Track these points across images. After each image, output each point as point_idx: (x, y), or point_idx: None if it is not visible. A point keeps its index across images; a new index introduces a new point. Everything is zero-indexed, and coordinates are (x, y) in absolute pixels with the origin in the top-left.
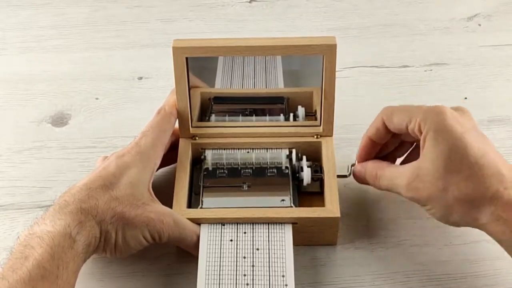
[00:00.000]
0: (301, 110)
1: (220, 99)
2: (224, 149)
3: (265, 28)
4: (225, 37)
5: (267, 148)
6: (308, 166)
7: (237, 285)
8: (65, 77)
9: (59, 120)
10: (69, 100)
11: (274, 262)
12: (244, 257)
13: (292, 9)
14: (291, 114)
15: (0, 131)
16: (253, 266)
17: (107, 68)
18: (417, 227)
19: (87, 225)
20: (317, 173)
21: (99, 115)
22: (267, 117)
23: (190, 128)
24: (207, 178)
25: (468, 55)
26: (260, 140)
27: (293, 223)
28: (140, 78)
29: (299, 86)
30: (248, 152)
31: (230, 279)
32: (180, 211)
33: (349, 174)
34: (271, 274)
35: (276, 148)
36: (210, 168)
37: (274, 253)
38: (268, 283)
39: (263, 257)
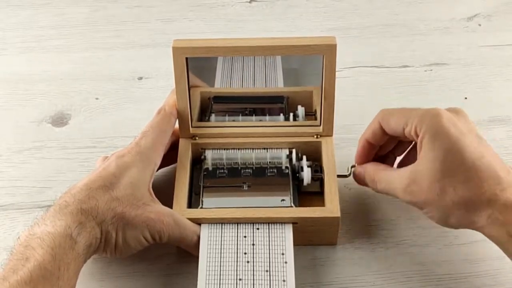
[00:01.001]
0: (301, 110)
1: (220, 99)
2: (224, 149)
3: (265, 28)
4: (225, 37)
5: (267, 148)
6: (308, 166)
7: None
8: (65, 77)
9: (59, 120)
10: (69, 100)
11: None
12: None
13: (292, 9)
14: (291, 114)
15: (0, 131)
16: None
17: (107, 68)
18: (417, 227)
19: (87, 226)
20: (317, 173)
21: (99, 115)
22: (267, 117)
23: (190, 128)
24: (207, 178)
25: (468, 55)
26: (260, 140)
27: (293, 223)
28: (140, 78)
29: (299, 86)
30: (248, 152)
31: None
32: (180, 211)
33: (349, 174)
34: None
35: (276, 148)
36: (210, 168)
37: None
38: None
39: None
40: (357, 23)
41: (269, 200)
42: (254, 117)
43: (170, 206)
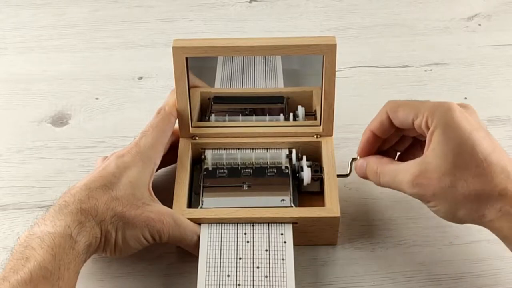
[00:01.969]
0: (301, 110)
1: (220, 99)
2: (224, 149)
3: (265, 28)
4: (225, 37)
5: (267, 148)
6: (308, 166)
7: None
8: (65, 77)
9: (59, 120)
10: (69, 100)
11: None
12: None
13: (292, 9)
14: (291, 114)
15: (0, 131)
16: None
17: (107, 68)
18: (417, 227)
19: (87, 226)
20: (317, 173)
21: (99, 115)
22: (267, 117)
23: (190, 128)
24: (207, 178)
25: (468, 55)
26: (260, 140)
27: (293, 223)
28: (140, 78)
29: (299, 86)
30: (248, 152)
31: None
32: (180, 211)
33: (349, 173)
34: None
35: (276, 148)
36: (210, 168)
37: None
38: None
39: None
40: (357, 23)
41: (269, 200)
42: (254, 117)
43: (170, 206)
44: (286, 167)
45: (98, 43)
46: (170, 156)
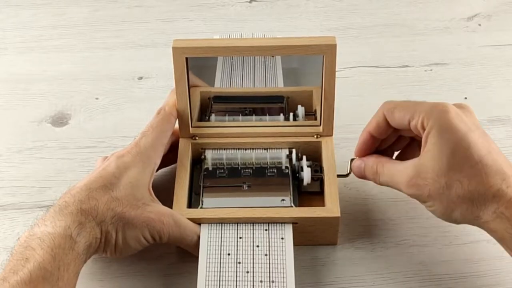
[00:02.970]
0: (301, 110)
1: (220, 99)
2: (224, 149)
3: (265, 28)
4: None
5: (267, 148)
6: (308, 166)
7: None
8: (65, 77)
9: (59, 120)
10: (69, 100)
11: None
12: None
13: (292, 9)
14: (291, 114)
15: (0, 131)
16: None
17: (107, 68)
18: (417, 227)
19: (87, 226)
20: (317, 173)
21: (99, 115)
22: (267, 117)
23: (190, 128)
24: (207, 178)
25: (468, 55)
26: (260, 140)
27: (293, 223)
28: (140, 78)
29: (299, 86)
30: (248, 152)
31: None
32: (180, 211)
33: (349, 173)
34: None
35: (276, 148)
36: (210, 168)
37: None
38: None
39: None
40: (357, 23)
41: (269, 200)
42: (254, 117)
43: (170, 206)
44: (286, 167)
45: (98, 43)
46: (170, 156)
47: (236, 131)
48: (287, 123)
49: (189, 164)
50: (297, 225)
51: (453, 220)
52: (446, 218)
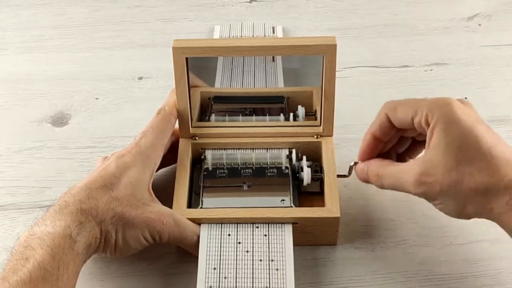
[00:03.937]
0: (301, 110)
1: (220, 99)
2: (224, 149)
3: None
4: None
5: (267, 148)
6: (308, 166)
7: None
8: (65, 77)
9: (59, 120)
10: (69, 100)
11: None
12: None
13: (292, 9)
14: (291, 114)
15: (0, 131)
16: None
17: (107, 68)
18: (417, 227)
19: (87, 226)
20: (317, 173)
21: (99, 115)
22: (267, 117)
23: (190, 128)
24: (207, 178)
25: (468, 55)
26: (260, 140)
27: (293, 223)
28: (140, 78)
29: (299, 86)
30: (248, 152)
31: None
32: (180, 211)
33: (349, 174)
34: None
35: (276, 148)
36: (210, 168)
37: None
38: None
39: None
40: (357, 23)
41: (269, 200)
42: (254, 117)
43: (170, 206)
44: (286, 167)
45: (98, 43)
46: (170, 156)
47: (236, 131)
48: (287, 123)
49: (189, 164)
50: (297, 225)
51: (465, 215)
52: (457, 214)
